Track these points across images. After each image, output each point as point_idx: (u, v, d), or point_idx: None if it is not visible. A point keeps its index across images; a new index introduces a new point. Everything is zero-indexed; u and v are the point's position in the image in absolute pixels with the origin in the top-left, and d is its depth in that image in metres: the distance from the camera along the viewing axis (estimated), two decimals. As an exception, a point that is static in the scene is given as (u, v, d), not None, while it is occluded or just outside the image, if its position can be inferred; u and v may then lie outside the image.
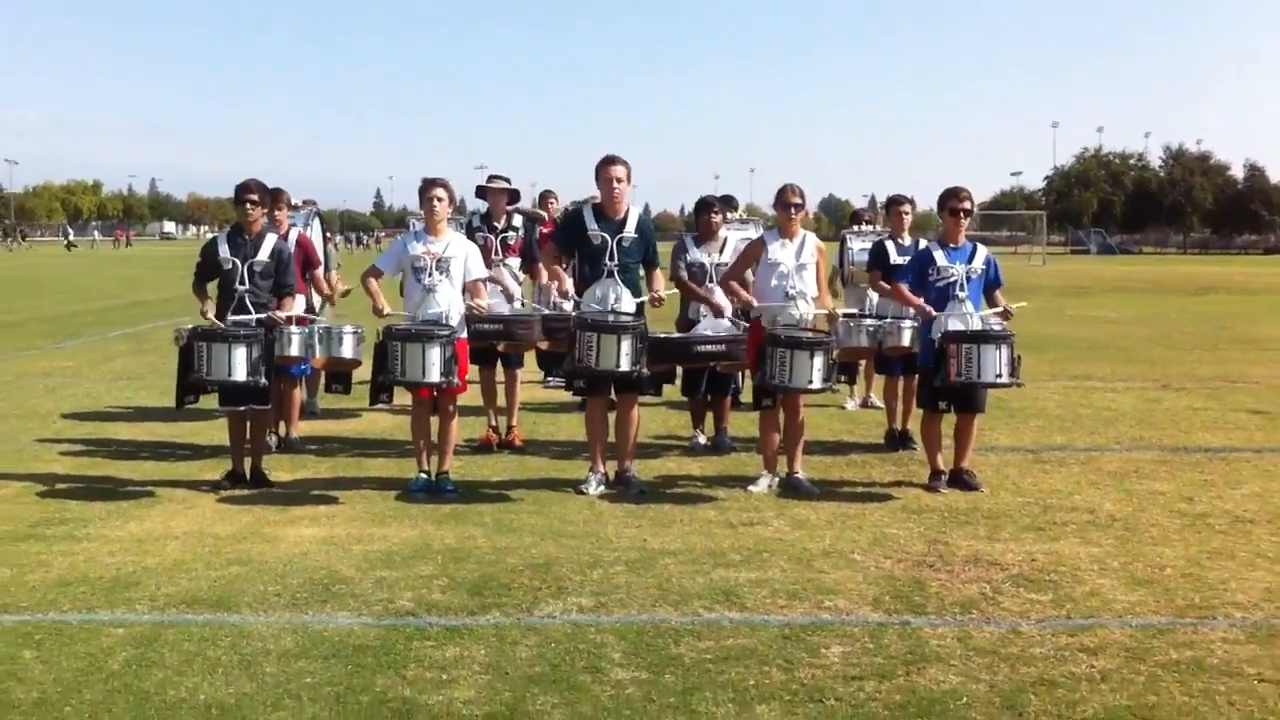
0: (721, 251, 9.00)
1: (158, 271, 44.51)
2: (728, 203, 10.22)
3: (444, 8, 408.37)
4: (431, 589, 5.56)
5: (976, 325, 7.67)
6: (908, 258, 8.65)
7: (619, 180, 7.77)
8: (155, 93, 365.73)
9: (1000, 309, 7.89)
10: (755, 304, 7.80)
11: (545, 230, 10.15)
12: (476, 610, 5.27)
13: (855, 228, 11.72)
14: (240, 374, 7.34)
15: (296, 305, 8.16)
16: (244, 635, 4.93)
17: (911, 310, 8.25)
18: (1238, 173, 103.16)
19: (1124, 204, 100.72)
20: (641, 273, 7.97)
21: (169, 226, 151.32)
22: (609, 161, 7.81)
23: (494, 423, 9.39)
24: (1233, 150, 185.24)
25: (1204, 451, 9.02)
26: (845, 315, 8.78)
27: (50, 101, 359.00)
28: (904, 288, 7.95)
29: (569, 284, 7.88)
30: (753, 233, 9.17)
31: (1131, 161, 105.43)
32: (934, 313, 7.73)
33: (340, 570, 5.85)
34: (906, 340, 8.58)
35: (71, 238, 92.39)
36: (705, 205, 9.26)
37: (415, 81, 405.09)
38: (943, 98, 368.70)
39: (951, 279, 7.76)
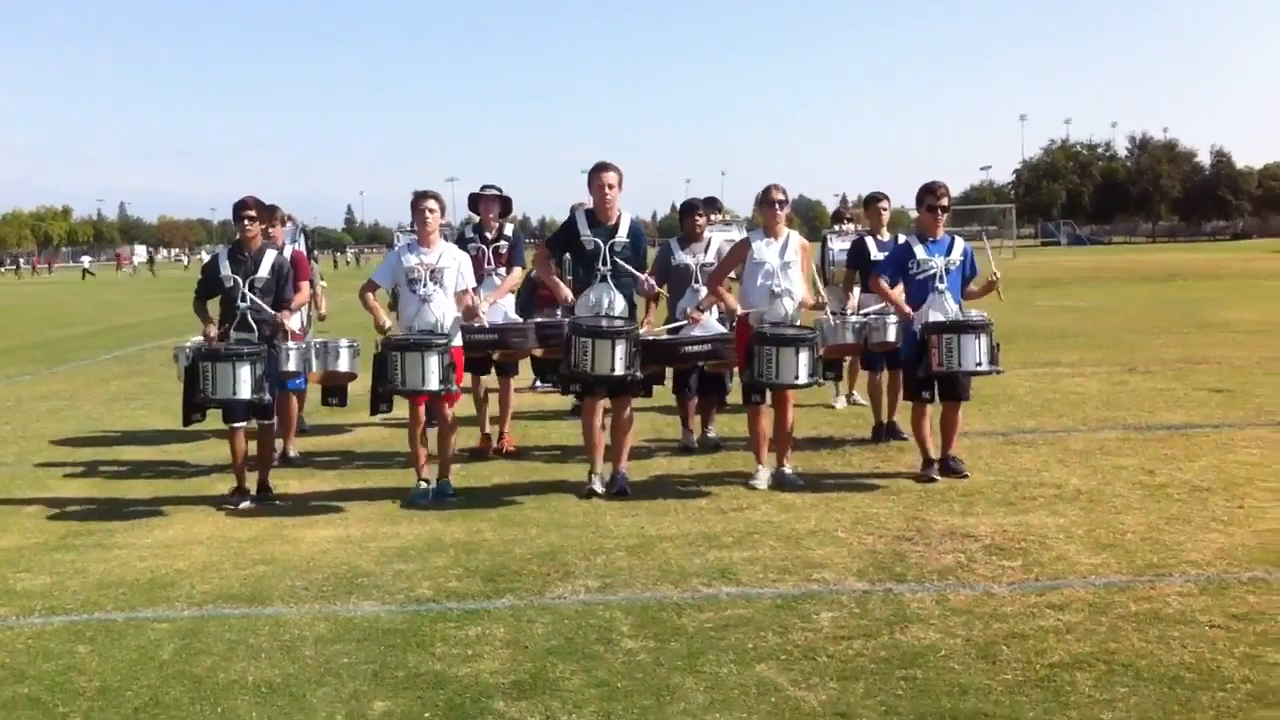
0: (706, 252, 9.31)
1: (136, 295, 44.68)
2: (712, 204, 10.56)
3: (411, 23, 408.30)
4: (448, 578, 5.98)
5: (956, 315, 7.96)
6: (887, 254, 8.99)
7: (610, 186, 8.03)
8: (122, 116, 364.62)
9: (986, 283, 8.21)
10: (739, 310, 8.14)
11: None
12: (492, 595, 5.69)
13: (836, 227, 11.92)
14: (245, 392, 7.55)
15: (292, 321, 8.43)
16: (280, 625, 5.34)
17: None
18: (1204, 159, 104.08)
19: (1092, 194, 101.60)
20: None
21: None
22: (601, 168, 8.08)
23: (487, 430, 9.67)
24: (1199, 137, 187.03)
25: (1166, 429, 9.51)
26: (832, 312, 9.10)
27: (15, 128, 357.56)
28: (883, 282, 8.23)
29: (568, 293, 8.16)
30: (735, 234, 9.49)
31: (1099, 151, 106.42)
32: (912, 314, 8.02)
33: (360, 565, 6.27)
34: (891, 336, 8.82)
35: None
36: (690, 208, 9.60)
37: (384, 96, 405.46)
38: (911, 95, 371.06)
39: (931, 271, 8.05)
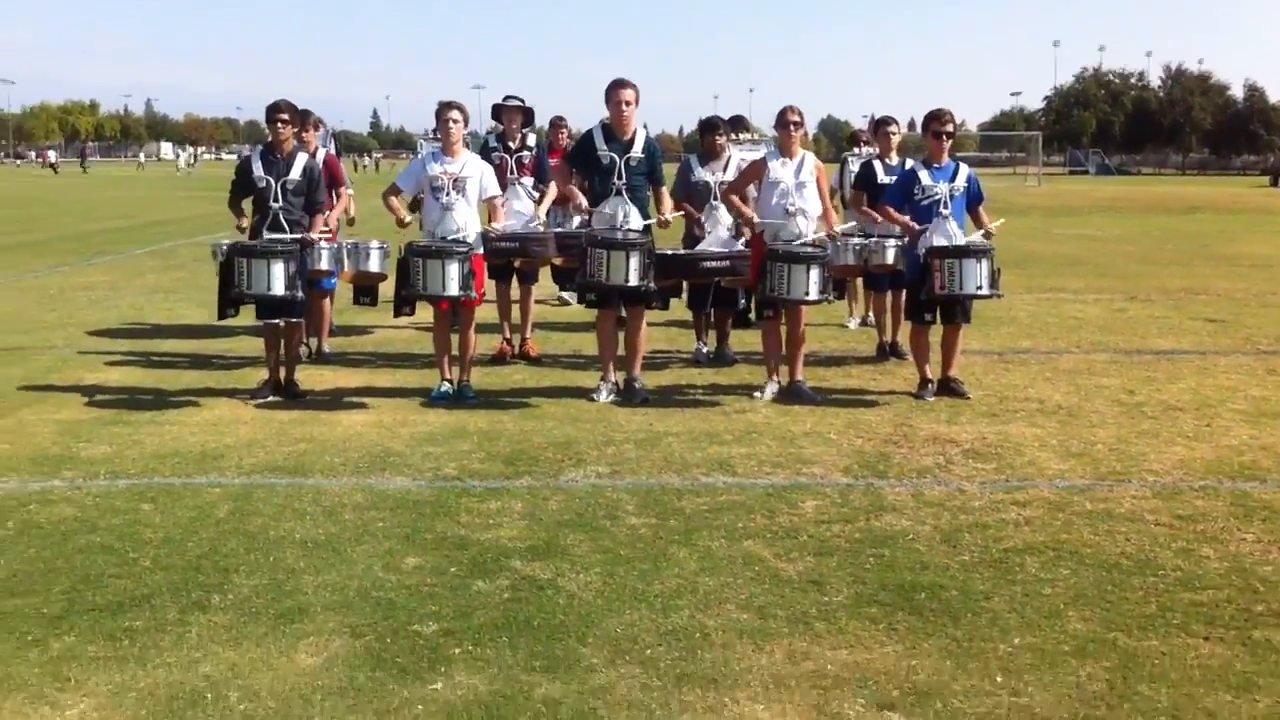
0: (725, 170, 9.49)
1: (166, 192, 45.25)
2: (739, 123, 10.73)
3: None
4: (471, 460, 6.59)
5: (960, 240, 8.31)
6: (894, 177, 9.24)
7: (628, 103, 8.38)
8: (149, 11, 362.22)
9: (983, 230, 8.57)
10: (757, 220, 8.53)
11: (555, 158, 10.68)
12: (511, 476, 6.29)
13: (855, 150, 12.08)
14: (279, 288, 7.90)
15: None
16: (321, 493, 5.96)
17: (896, 228, 8.95)
18: (1237, 93, 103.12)
19: (1123, 124, 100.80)
20: (649, 191, 8.63)
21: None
22: (618, 85, 8.43)
23: (508, 335, 10.07)
24: (1233, 70, 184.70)
25: (1155, 354, 10.00)
26: (844, 233, 9.44)
27: (42, 21, 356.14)
28: (890, 209, 8.63)
29: (583, 199, 8.55)
30: (763, 153, 9.70)
31: (1132, 81, 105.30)
32: (917, 227, 8.35)
33: (392, 446, 6.88)
34: (890, 258, 9.24)
35: None
36: (710, 126, 9.84)
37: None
38: (944, 16, 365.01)
39: (936, 197, 8.35)
